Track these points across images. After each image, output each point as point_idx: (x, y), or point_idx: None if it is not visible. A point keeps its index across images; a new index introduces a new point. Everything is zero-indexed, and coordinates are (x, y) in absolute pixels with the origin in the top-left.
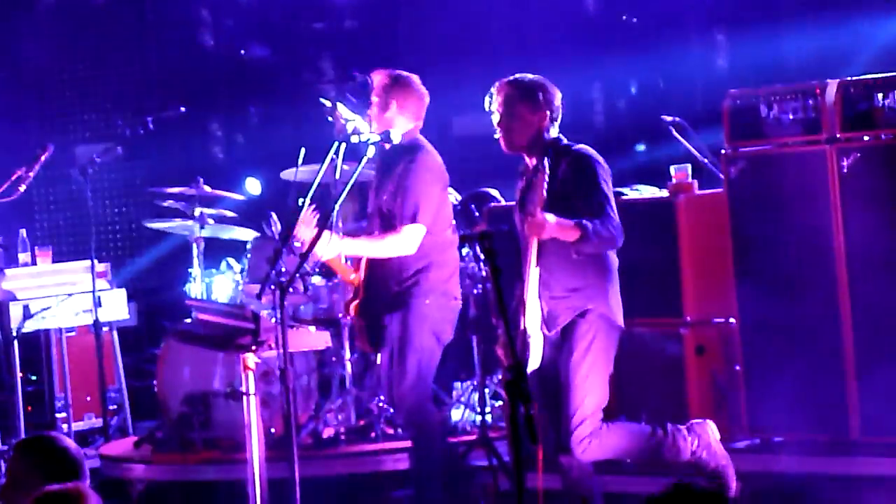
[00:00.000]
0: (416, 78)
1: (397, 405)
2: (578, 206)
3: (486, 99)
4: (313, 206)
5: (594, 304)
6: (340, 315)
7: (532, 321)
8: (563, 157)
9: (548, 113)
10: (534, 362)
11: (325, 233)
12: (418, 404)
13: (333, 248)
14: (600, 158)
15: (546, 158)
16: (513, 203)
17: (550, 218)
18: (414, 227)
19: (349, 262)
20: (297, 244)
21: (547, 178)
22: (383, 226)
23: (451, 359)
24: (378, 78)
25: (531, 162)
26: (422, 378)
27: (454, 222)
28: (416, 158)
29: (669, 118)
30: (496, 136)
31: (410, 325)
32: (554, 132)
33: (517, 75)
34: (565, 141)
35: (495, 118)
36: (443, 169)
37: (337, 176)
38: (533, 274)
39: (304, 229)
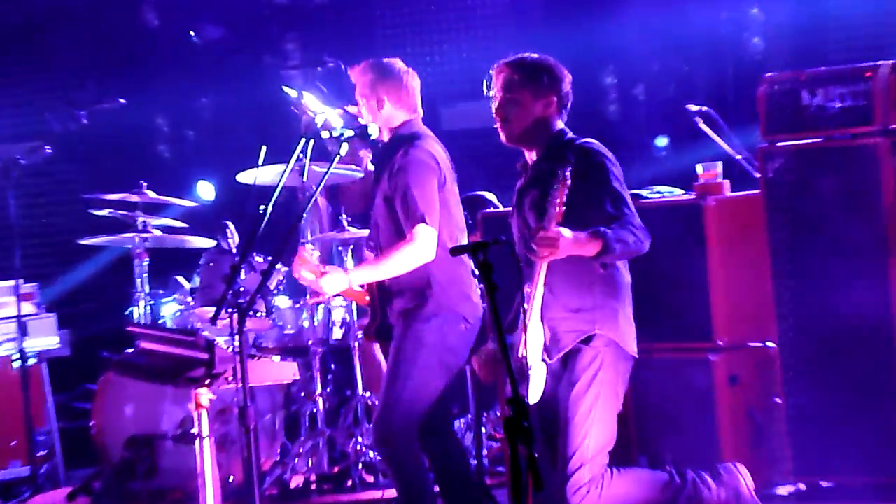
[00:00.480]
0: (399, 62)
1: (377, 437)
2: (589, 212)
3: (484, 82)
4: (308, 243)
5: (601, 327)
6: (310, 342)
7: (533, 348)
8: (566, 152)
9: (554, 99)
10: (534, 395)
11: (331, 271)
12: (404, 441)
13: (340, 284)
14: (609, 154)
15: (568, 167)
16: (510, 208)
17: (566, 233)
18: (423, 228)
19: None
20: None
21: (567, 188)
22: (384, 237)
23: None
24: (359, 74)
25: (531, 157)
26: (412, 410)
27: (463, 228)
28: (410, 150)
29: (695, 107)
30: (495, 125)
31: (406, 348)
32: (561, 123)
33: (519, 55)
34: (570, 134)
35: (493, 105)
36: (441, 162)
37: (304, 178)
38: (538, 293)
39: (304, 269)
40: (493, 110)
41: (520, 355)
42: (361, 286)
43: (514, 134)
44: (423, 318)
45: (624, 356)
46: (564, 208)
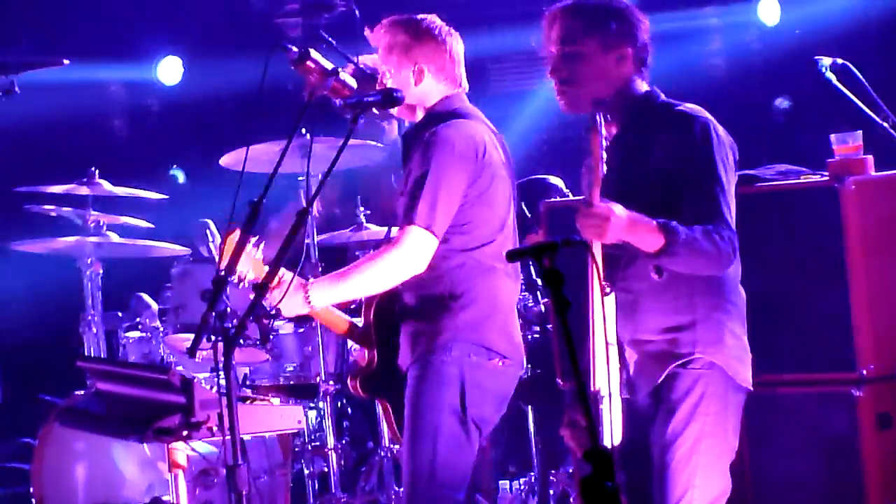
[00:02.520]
0: (437, 19)
1: None
2: (679, 200)
3: (535, 36)
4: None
5: (704, 350)
6: (318, 379)
7: (605, 378)
8: (660, 121)
9: (629, 51)
10: (612, 438)
11: (288, 279)
12: None
13: (296, 305)
14: (719, 127)
15: (599, 112)
16: (580, 198)
17: (619, 210)
18: (416, 232)
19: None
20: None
21: (606, 141)
22: None
23: (496, 445)
24: (385, 35)
25: (607, 130)
26: (438, 474)
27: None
28: (440, 129)
29: (827, 60)
30: (557, 97)
31: (425, 392)
32: (643, 85)
33: None
34: (663, 97)
35: (550, 63)
36: (482, 149)
37: (307, 163)
38: (605, 304)
39: (249, 266)
40: (549, 70)
41: (591, 389)
42: (351, 309)
43: (582, 98)
44: (439, 347)
45: (733, 385)
46: (604, 170)
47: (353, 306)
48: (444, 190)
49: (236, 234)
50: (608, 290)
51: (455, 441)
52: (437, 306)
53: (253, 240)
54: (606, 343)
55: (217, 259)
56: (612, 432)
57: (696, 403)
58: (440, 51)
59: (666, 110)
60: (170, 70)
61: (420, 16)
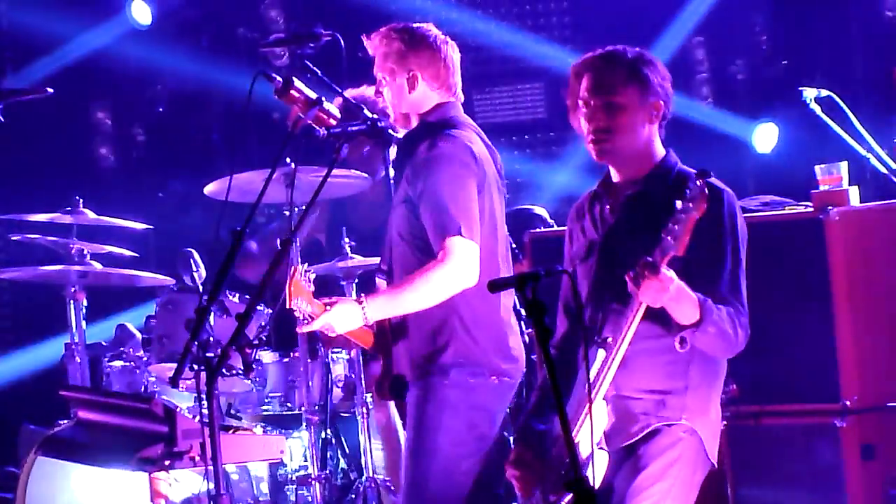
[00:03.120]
0: (433, 28)
1: None
2: (700, 273)
3: (573, 81)
4: (305, 265)
5: (691, 417)
6: (302, 408)
7: (588, 429)
8: (682, 192)
9: (661, 104)
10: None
11: (341, 301)
12: None
13: (353, 319)
14: (737, 203)
15: (700, 189)
16: (564, 228)
17: (676, 279)
18: (460, 242)
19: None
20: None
21: (697, 217)
22: (402, 259)
23: None
24: (381, 43)
25: (622, 183)
26: (444, 495)
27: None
28: (439, 142)
29: (812, 91)
30: (589, 139)
31: (427, 413)
32: (659, 142)
33: (611, 48)
34: (680, 164)
35: (584, 110)
36: (481, 160)
37: (291, 192)
38: (621, 351)
39: (301, 299)
40: (587, 117)
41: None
42: (370, 325)
43: (617, 148)
44: (441, 369)
45: (703, 459)
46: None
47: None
48: (464, 198)
49: (298, 275)
50: (609, 340)
51: (453, 465)
52: (437, 326)
53: (302, 268)
54: (594, 394)
55: (199, 289)
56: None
57: (669, 464)
58: (435, 58)
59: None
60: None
61: (416, 24)
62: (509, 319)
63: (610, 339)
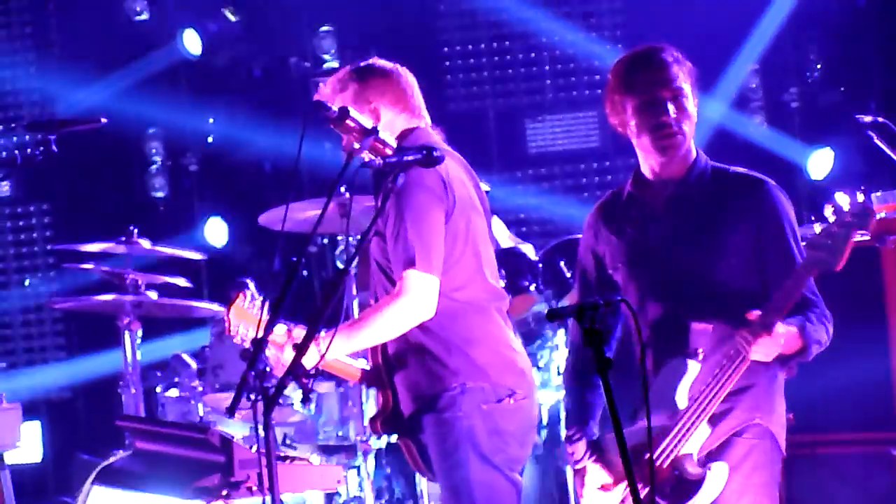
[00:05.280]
0: (380, 60)
1: None
2: (769, 269)
3: (624, 78)
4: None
5: (763, 416)
6: (358, 438)
7: (695, 446)
8: (729, 186)
9: (696, 103)
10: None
11: (298, 334)
12: None
13: (309, 357)
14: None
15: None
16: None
17: (781, 330)
18: (415, 275)
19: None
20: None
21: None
22: (379, 290)
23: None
24: (336, 90)
25: (661, 182)
26: None
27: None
28: (409, 171)
29: (868, 118)
30: (658, 133)
31: (446, 452)
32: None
33: (649, 45)
34: (707, 159)
35: (669, 113)
36: (452, 185)
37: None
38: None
39: (243, 321)
40: (653, 112)
41: (678, 454)
42: (364, 358)
43: (683, 144)
44: (448, 403)
45: (779, 454)
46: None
47: None
48: (427, 229)
49: (240, 301)
50: (700, 356)
51: (489, 490)
52: (433, 358)
53: (251, 290)
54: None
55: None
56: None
57: (749, 474)
58: (389, 84)
59: (734, 177)
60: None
61: (360, 62)
62: (507, 335)
63: (701, 351)
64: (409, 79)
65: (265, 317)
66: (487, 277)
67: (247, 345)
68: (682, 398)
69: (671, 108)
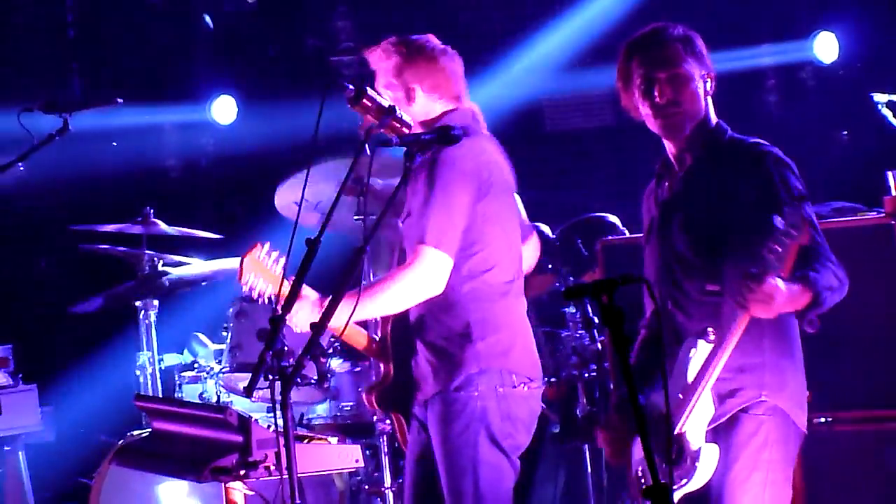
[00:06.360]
0: (432, 38)
1: None
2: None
3: (626, 61)
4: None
5: (771, 393)
6: (375, 417)
7: (697, 423)
8: (740, 158)
9: (711, 76)
10: (696, 483)
11: (301, 299)
12: None
13: (305, 316)
14: (792, 163)
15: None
16: (639, 235)
17: (780, 285)
18: (428, 252)
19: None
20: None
21: (804, 236)
22: None
23: (553, 482)
24: (380, 58)
25: (678, 157)
26: None
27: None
28: (444, 150)
29: (884, 97)
30: (656, 114)
31: (455, 430)
32: (713, 114)
33: (657, 24)
34: (730, 130)
35: (655, 85)
36: (487, 168)
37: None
38: (726, 355)
39: (254, 272)
40: (651, 93)
41: (679, 431)
42: (366, 327)
43: (685, 124)
44: (462, 380)
45: (794, 431)
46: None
47: None
48: (452, 209)
49: (257, 251)
50: (712, 336)
51: (494, 473)
52: (457, 338)
53: (265, 247)
54: (702, 388)
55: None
56: (698, 478)
57: (758, 450)
58: (432, 70)
59: (741, 146)
60: (224, 110)
61: (414, 36)
62: (528, 324)
63: (711, 330)
64: (455, 65)
65: (283, 280)
66: (515, 262)
67: (256, 296)
68: (691, 378)
69: (668, 88)
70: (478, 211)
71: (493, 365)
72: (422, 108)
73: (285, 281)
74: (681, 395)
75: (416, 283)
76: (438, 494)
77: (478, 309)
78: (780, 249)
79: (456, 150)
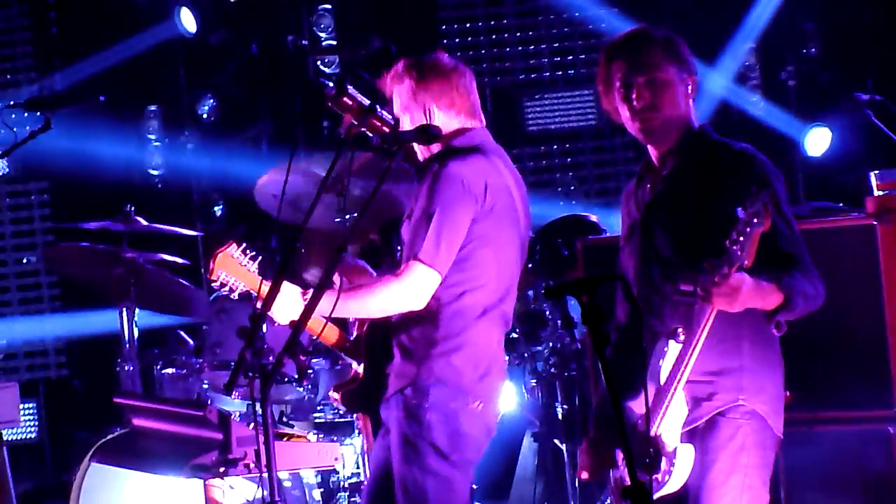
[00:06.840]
0: (445, 56)
1: None
2: (761, 245)
3: (607, 64)
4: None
5: (747, 397)
6: (355, 415)
7: (672, 424)
8: (723, 162)
9: (694, 80)
10: (672, 485)
11: (283, 290)
12: None
13: (291, 308)
14: (778, 171)
15: (766, 192)
16: (616, 235)
17: (747, 279)
18: (418, 267)
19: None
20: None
21: (767, 222)
22: None
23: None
24: (393, 81)
25: (661, 159)
26: None
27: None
28: (448, 162)
29: (866, 96)
30: (634, 116)
31: (404, 437)
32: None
33: (639, 27)
34: (714, 134)
35: (632, 90)
36: (492, 186)
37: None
38: (696, 352)
39: (225, 269)
40: (630, 97)
41: (654, 433)
42: (350, 324)
43: (664, 125)
44: (420, 390)
45: (771, 435)
46: (755, 250)
47: None
48: (448, 226)
49: (231, 248)
50: (681, 336)
51: (444, 484)
52: (423, 345)
53: (249, 253)
54: (674, 388)
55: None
56: (674, 481)
57: (736, 454)
58: (447, 87)
59: (727, 150)
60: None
61: (427, 56)
62: (499, 350)
63: (681, 331)
64: (468, 80)
65: (260, 279)
66: (502, 289)
67: (227, 292)
68: (664, 379)
69: (646, 92)
70: (474, 231)
71: (449, 380)
72: (441, 126)
73: (263, 280)
74: (654, 397)
75: (401, 295)
76: (392, 497)
77: (450, 325)
78: (742, 239)
79: (464, 166)
